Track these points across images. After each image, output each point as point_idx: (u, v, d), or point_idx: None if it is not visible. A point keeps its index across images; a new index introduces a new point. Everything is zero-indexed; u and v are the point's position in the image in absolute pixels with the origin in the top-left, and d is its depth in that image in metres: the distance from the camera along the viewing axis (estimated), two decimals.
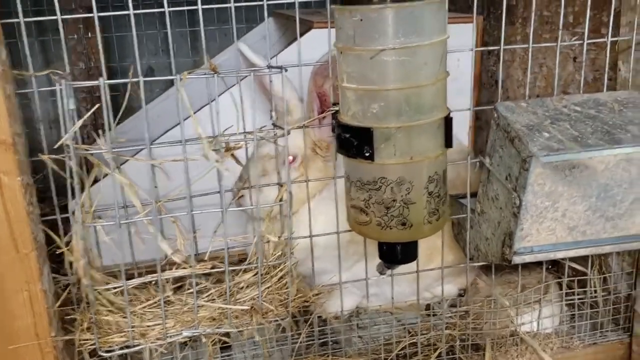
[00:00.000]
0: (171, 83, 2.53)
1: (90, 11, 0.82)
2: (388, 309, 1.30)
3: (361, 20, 0.78)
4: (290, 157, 1.21)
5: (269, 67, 0.92)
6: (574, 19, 1.29)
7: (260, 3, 0.89)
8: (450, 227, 1.25)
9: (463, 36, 1.60)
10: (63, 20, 0.81)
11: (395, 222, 0.86)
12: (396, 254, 0.92)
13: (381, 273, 1.10)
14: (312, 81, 1.09)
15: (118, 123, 0.87)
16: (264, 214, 1.19)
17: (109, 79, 0.80)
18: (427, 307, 1.33)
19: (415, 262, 1.15)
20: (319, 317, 1.06)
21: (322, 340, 1.09)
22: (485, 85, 1.66)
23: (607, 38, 1.03)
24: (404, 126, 0.82)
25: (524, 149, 0.90)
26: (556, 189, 0.93)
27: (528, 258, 1.01)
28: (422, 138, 0.83)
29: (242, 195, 1.22)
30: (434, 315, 1.23)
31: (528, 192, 0.92)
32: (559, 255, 1.01)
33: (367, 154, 0.83)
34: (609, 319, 1.20)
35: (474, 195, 1.10)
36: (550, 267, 1.32)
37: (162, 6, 0.85)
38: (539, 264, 1.29)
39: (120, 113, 0.87)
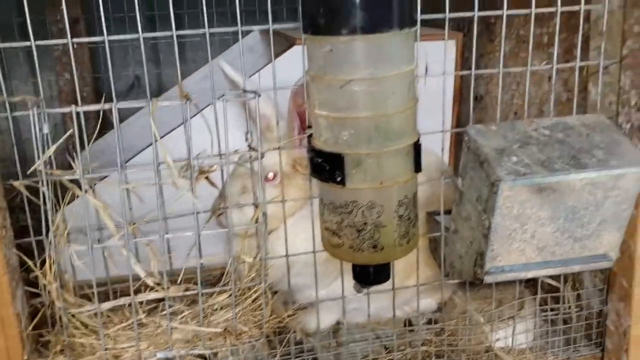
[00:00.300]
0: (159, 92, 2.54)
1: (76, 22, 0.83)
2: (368, 324, 1.31)
3: (331, 50, 0.79)
4: (271, 174, 1.23)
5: (244, 91, 0.93)
6: (548, 39, 1.32)
7: (235, 29, 0.90)
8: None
9: (442, 53, 1.63)
10: (48, 31, 0.82)
11: (366, 245, 0.88)
12: (369, 276, 0.94)
13: (358, 291, 1.12)
14: (292, 100, 1.10)
15: (101, 135, 0.88)
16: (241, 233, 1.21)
17: (96, 90, 0.82)
18: (408, 321, 1.35)
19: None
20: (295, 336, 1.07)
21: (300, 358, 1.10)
22: (465, 101, 1.68)
23: (576, 62, 1.05)
24: (373, 152, 0.84)
25: (492, 173, 0.92)
26: (524, 211, 0.95)
27: (500, 277, 1.03)
28: (392, 163, 0.85)
29: (222, 213, 1.24)
30: (410, 331, 1.24)
31: (497, 214, 0.94)
32: (530, 274, 1.03)
33: (338, 179, 0.85)
34: (582, 335, 1.22)
35: (449, 212, 1.12)
36: (525, 283, 1.34)
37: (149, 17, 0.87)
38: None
39: (95, 136, 0.88)
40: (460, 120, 1.67)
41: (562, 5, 1.02)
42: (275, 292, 1.01)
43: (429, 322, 1.31)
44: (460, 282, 1.33)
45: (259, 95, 0.90)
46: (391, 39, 0.79)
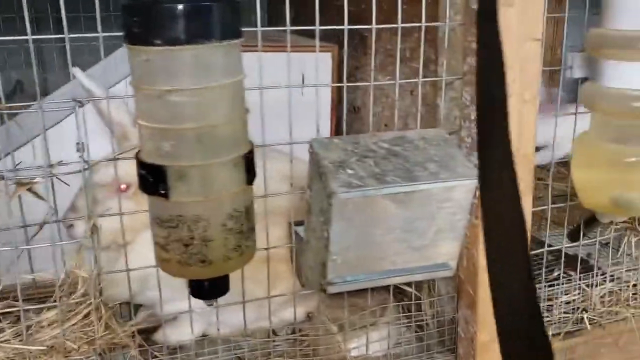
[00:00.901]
0: (45, 93, 2.43)
1: None
2: (233, 335, 1.30)
3: (147, 60, 0.78)
4: (124, 185, 1.20)
5: (73, 100, 0.90)
6: (410, 53, 1.36)
7: (97, 35, 0.92)
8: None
9: (320, 64, 1.65)
10: None
11: (194, 259, 0.86)
12: (204, 289, 0.92)
13: (208, 304, 1.10)
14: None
15: None
16: (100, 244, 1.17)
17: None
18: (273, 331, 1.34)
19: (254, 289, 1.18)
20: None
21: None
22: (348, 110, 1.70)
23: (418, 79, 1.09)
24: (197, 165, 0.82)
25: (328, 185, 0.94)
26: (361, 222, 0.97)
27: (344, 287, 1.04)
28: (219, 176, 0.84)
29: (72, 225, 1.19)
30: (273, 341, 1.24)
31: (334, 225, 0.95)
32: (373, 284, 1.06)
33: (162, 192, 0.83)
34: (437, 341, 1.26)
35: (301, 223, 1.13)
36: (388, 290, 1.37)
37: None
38: (383, 286, 1.33)
39: None
40: (339, 129, 1.69)
41: (419, 21, 1.07)
42: (112, 308, 0.97)
43: (293, 332, 1.31)
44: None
45: (82, 105, 0.87)
46: (210, 50, 0.79)
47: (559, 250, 1.34)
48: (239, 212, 0.88)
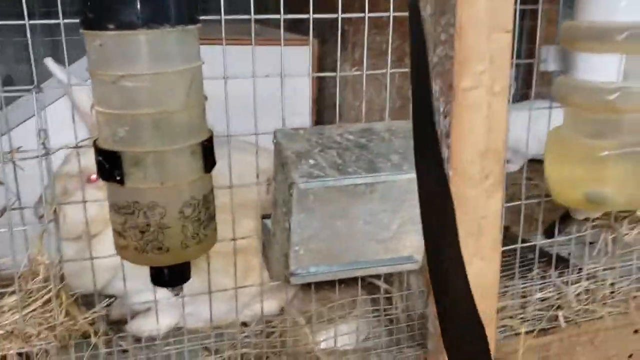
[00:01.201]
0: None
1: None
2: (203, 328, 1.30)
3: (101, 45, 0.78)
4: (94, 176, 1.20)
5: (34, 87, 0.90)
6: (387, 46, 1.35)
7: (58, 21, 0.93)
8: None
9: (300, 58, 1.65)
10: None
11: (150, 246, 0.86)
12: (163, 277, 0.92)
13: (176, 294, 1.10)
14: None
15: None
16: (71, 234, 1.18)
17: None
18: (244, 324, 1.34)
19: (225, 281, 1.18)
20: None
21: None
22: (327, 106, 1.70)
23: (387, 70, 1.08)
24: (152, 151, 0.82)
25: (289, 175, 0.93)
26: (323, 213, 0.96)
27: (307, 279, 1.04)
28: (174, 163, 0.84)
29: (42, 216, 1.20)
30: (242, 332, 1.24)
31: (295, 216, 0.95)
32: (337, 276, 1.05)
33: (117, 178, 0.83)
34: (407, 336, 1.25)
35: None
36: (362, 283, 1.37)
37: None
38: (354, 279, 1.33)
39: None
40: (321, 121, 1.69)
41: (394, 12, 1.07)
42: (74, 295, 0.97)
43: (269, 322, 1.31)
44: (304, 284, 1.35)
45: (39, 91, 0.87)
46: (164, 35, 0.78)
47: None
48: (197, 200, 0.87)
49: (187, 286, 1.18)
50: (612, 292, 1.38)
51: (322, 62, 1.61)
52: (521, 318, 1.31)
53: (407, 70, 1.15)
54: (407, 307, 1.25)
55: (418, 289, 1.24)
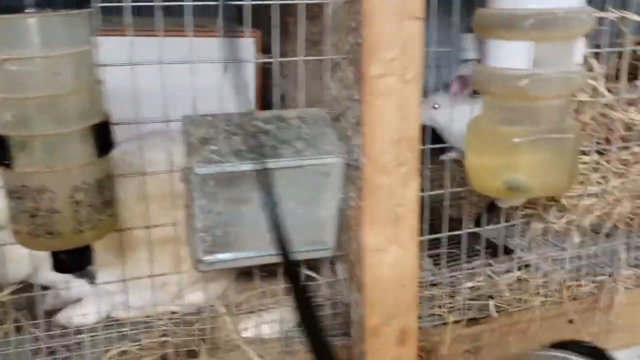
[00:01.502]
0: None
1: None
2: (136, 317, 1.30)
3: None
4: None
5: None
6: (320, 37, 1.35)
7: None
8: None
9: (244, 50, 1.65)
10: None
11: (41, 231, 0.86)
12: (62, 263, 0.93)
13: (91, 282, 1.11)
14: None
15: None
16: None
17: None
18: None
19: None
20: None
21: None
22: (273, 99, 1.70)
23: (299, 57, 1.08)
24: (39, 135, 0.83)
25: (189, 161, 0.93)
26: (227, 200, 0.96)
27: (216, 266, 1.04)
28: (63, 147, 0.84)
29: None
30: (159, 319, 1.24)
31: (196, 202, 0.95)
32: (248, 262, 1.05)
33: (5, 162, 0.83)
34: (332, 323, 1.25)
35: None
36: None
37: None
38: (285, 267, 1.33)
39: None
40: None
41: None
42: None
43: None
44: (241, 273, 1.35)
45: None
46: (48, 19, 0.79)
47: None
48: (89, 185, 0.88)
49: (115, 277, 1.20)
50: (545, 282, 1.38)
51: (267, 54, 1.61)
52: (450, 307, 1.31)
53: (320, 57, 1.16)
54: (332, 294, 1.26)
55: (343, 277, 1.24)
